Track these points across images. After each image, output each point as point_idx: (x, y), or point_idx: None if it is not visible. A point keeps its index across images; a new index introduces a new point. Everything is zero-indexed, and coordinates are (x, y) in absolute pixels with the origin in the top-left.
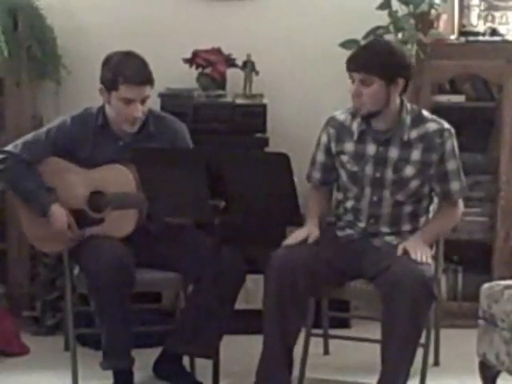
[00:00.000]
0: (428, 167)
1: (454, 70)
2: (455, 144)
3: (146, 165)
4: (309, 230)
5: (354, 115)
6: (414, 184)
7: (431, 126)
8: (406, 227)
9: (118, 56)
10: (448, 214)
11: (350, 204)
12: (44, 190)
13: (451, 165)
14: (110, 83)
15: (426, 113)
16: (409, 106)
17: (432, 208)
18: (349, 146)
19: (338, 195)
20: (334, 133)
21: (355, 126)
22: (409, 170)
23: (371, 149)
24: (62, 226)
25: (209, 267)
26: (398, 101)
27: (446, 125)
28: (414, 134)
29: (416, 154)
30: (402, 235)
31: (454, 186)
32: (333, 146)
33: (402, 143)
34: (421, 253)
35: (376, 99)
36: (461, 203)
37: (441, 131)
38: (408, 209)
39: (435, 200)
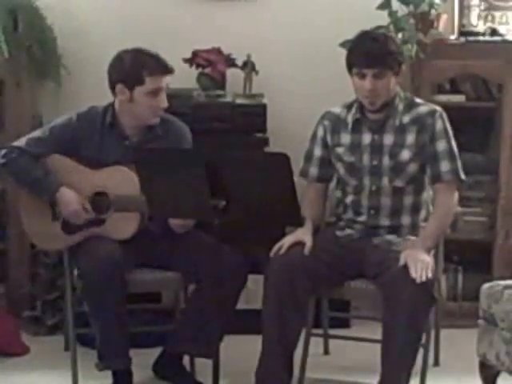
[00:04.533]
0: (423, 149)
1: (454, 70)
2: (447, 125)
3: (146, 165)
4: (297, 237)
5: (349, 108)
6: (412, 168)
7: (423, 109)
8: (406, 220)
9: (131, 53)
10: (442, 211)
11: (349, 199)
12: (51, 177)
13: (441, 145)
14: (133, 79)
15: (418, 99)
16: (402, 93)
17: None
18: (345, 138)
19: (337, 193)
20: (329, 125)
21: (350, 118)
22: (405, 154)
23: (367, 138)
24: (75, 207)
25: (209, 267)
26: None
27: (438, 108)
28: (406, 118)
29: (411, 138)
30: (401, 231)
31: (444, 166)
32: (329, 138)
33: (396, 128)
34: (421, 268)
35: (389, 90)
36: (455, 192)
37: (432, 112)
38: (408, 200)
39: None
